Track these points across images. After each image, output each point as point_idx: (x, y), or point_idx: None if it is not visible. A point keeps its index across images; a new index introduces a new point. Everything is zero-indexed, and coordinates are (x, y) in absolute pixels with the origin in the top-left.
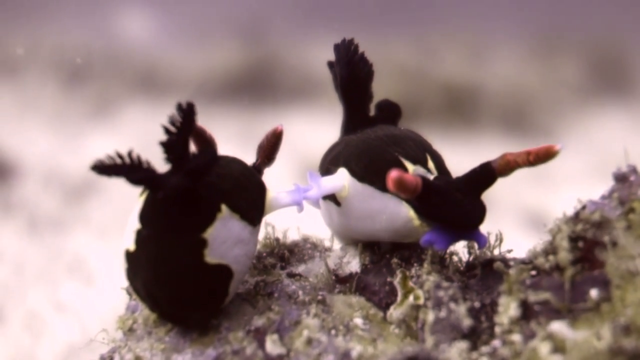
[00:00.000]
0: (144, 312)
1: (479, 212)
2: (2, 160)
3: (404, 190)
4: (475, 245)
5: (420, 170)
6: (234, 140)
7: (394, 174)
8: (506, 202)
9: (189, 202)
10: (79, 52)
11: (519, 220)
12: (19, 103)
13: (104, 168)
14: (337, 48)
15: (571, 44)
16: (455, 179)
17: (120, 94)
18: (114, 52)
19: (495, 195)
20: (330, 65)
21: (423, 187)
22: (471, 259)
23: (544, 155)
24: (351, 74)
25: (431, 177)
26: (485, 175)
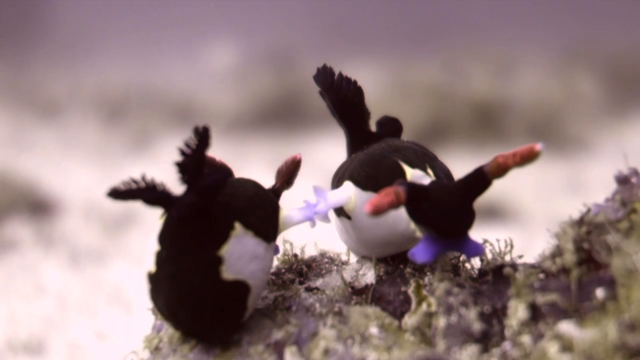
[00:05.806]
0: (168, 330)
1: (467, 219)
2: (45, 196)
3: (386, 209)
4: (487, 252)
5: (418, 173)
6: (268, 165)
7: (367, 207)
8: (541, 213)
9: (202, 220)
10: (118, 90)
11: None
12: (61, 141)
13: (119, 193)
14: (316, 79)
15: (594, 58)
16: (451, 183)
17: (157, 128)
18: (151, 88)
19: (531, 207)
20: (322, 95)
21: (408, 193)
22: (483, 265)
23: (527, 156)
24: (338, 96)
25: (428, 181)
26: (479, 179)
